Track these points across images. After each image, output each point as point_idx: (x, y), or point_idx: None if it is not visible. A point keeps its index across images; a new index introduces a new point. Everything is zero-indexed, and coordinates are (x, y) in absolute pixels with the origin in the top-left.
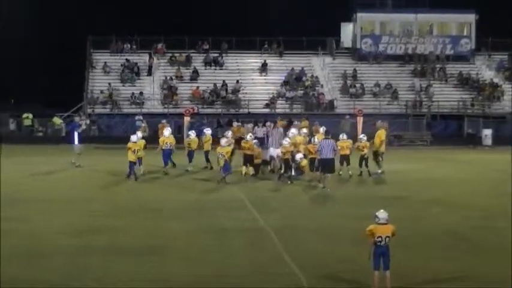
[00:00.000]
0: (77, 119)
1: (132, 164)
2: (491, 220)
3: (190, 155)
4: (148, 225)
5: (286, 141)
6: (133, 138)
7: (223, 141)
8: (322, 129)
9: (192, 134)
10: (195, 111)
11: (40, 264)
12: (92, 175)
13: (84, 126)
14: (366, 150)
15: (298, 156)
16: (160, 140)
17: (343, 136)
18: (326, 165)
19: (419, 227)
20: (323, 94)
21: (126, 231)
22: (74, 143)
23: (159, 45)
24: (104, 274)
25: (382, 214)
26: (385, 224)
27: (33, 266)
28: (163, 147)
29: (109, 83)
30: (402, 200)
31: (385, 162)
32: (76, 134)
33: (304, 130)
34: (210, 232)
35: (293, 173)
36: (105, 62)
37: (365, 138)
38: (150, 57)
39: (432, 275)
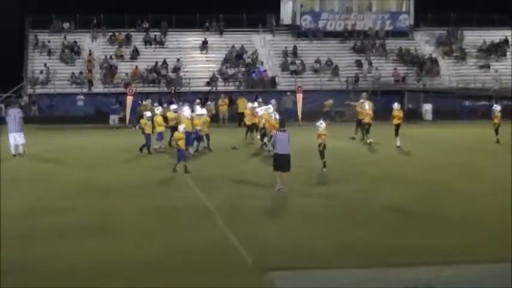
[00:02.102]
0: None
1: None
2: (435, 194)
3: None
4: (97, 206)
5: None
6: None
7: (181, 127)
8: (276, 116)
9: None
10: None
11: None
12: (37, 156)
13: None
14: (324, 138)
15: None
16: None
17: (321, 123)
18: (282, 162)
19: (367, 202)
20: (266, 71)
21: (75, 212)
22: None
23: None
24: (53, 254)
25: None
26: None
27: None
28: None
29: (45, 64)
30: (348, 177)
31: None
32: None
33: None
34: (159, 211)
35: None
36: (44, 42)
37: (323, 125)
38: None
39: (381, 250)
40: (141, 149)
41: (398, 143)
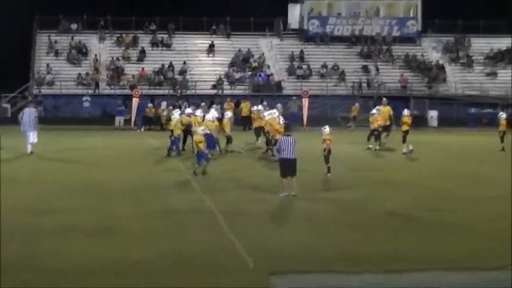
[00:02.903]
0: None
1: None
2: (440, 201)
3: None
4: (100, 207)
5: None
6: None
7: (199, 129)
8: (280, 120)
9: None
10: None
11: None
12: (42, 156)
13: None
14: (328, 143)
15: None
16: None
17: (325, 129)
18: (290, 167)
19: (371, 208)
20: (272, 75)
21: (78, 212)
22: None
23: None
24: (58, 252)
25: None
26: None
27: None
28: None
29: (47, 64)
30: (353, 182)
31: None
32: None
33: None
34: (162, 213)
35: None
36: (52, 42)
37: (327, 130)
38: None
39: (382, 255)
40: (168, 152)
41: (405, 150)
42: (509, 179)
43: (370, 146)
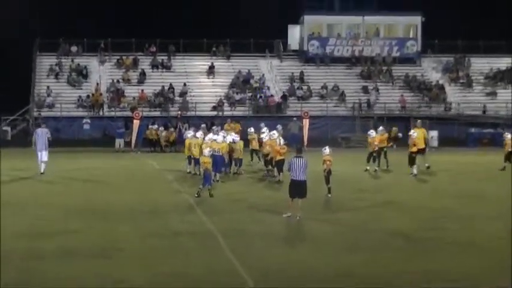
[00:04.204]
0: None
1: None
2: (442, 221)
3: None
4: (100, 228)
5: None
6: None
7: (206, 151)
8: (281, 142)
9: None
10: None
11: None
12: (42, 178)
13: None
14: (329, 163)
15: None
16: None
17: (325, 150)
18: (298, 188)
19: (371, 228)
20: (272, 96)
21: (78, 234)
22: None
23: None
24: (57, 276)
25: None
26: None
27: None
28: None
29: (47, 86)
30: (354, 203)
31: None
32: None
33: (233, 133)
34: (162, 235)
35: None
36: (52, 65)
37: (327, 150)
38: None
39: (383, 276)
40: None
41: (415, 171)
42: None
43: (368, 167)
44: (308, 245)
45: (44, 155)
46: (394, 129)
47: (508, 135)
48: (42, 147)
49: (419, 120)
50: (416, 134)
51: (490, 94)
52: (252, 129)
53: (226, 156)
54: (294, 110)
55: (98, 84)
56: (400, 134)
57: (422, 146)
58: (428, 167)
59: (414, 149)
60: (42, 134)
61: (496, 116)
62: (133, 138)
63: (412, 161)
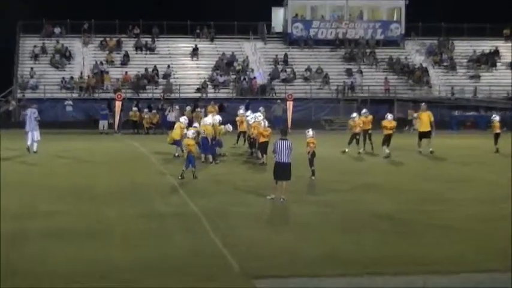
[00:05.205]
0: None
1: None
2: (425, 203)
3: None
4: (85, 210)
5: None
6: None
7: (189, 132)
8: (264, 123)
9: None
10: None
11: None
12: (25, 160)
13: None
14: (312, 146)
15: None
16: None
17: (309, 133)
18: (282, 171)
19: (355, 211)
20: (255, 78)
21: (62, 215)
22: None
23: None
24: (43, 257)
25: None
26: None
27: None
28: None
29: (31, 68)
30: (337, 185)
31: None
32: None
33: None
34: (147, 217)
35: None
36: (35, 46)
37: (310, 133)
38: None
39: (369, 257)
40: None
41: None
42: (497, 180)
43: (347, 149)
44: (293, 227)
45: (35, 135)
46: (410, 112)
47: (496, 118)
48: (30, 127)
49: (423, 103)
50: (366, 114)
51: (474, 77)
52: (242, 111)
53: (209, 138)
54: (278, 93)
55: (83, 66)
56: (415, 115)
57: (427, 129)
58: (431, 152)
59: (357, 130)
60: (31, 115)
61: (489, 100)
62: (117, 120)
63: (357, 142)
